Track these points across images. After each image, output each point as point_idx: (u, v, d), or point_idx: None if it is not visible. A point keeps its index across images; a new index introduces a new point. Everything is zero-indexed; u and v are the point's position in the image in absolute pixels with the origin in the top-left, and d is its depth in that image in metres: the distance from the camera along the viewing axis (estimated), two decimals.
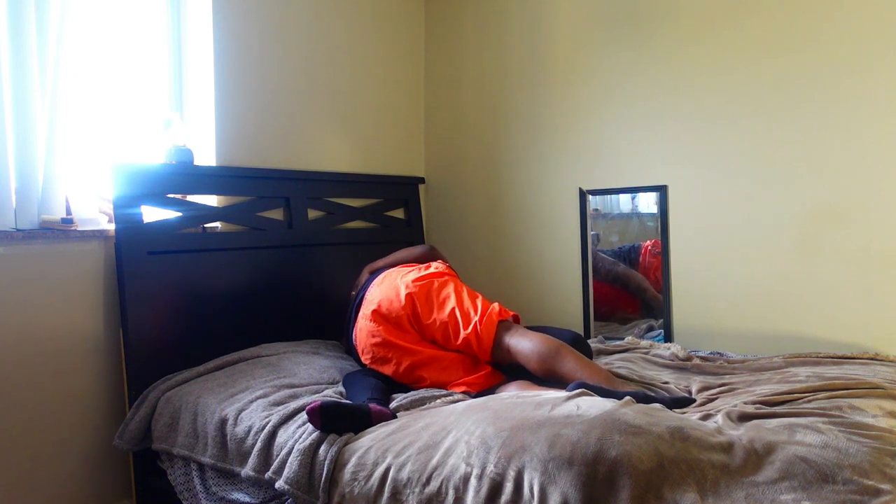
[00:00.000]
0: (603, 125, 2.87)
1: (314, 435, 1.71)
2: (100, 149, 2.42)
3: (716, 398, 1.88)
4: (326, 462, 1.65)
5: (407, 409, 1.92)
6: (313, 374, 2.22)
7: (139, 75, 2.60)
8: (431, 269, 2.37)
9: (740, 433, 1.49)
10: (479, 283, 3.00)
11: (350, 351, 2.49)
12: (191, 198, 2.56)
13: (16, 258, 2.09)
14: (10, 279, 2.08)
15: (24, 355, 2.12)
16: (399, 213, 3.33)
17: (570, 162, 2.97)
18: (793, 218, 2.43)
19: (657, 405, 1.70)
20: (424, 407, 1.92)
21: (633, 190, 2.81)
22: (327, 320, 2.79)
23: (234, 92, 2.65)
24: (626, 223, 2.87)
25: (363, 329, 2.27)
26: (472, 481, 1.45)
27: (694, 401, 1.85)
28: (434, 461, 1.53)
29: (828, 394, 1.75)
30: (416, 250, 2.70)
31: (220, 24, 2.59)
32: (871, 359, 2.12)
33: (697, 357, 2.36)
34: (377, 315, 2.24)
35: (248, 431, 1.85)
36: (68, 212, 2.26)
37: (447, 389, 2.11)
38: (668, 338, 2.71)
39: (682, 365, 2.28)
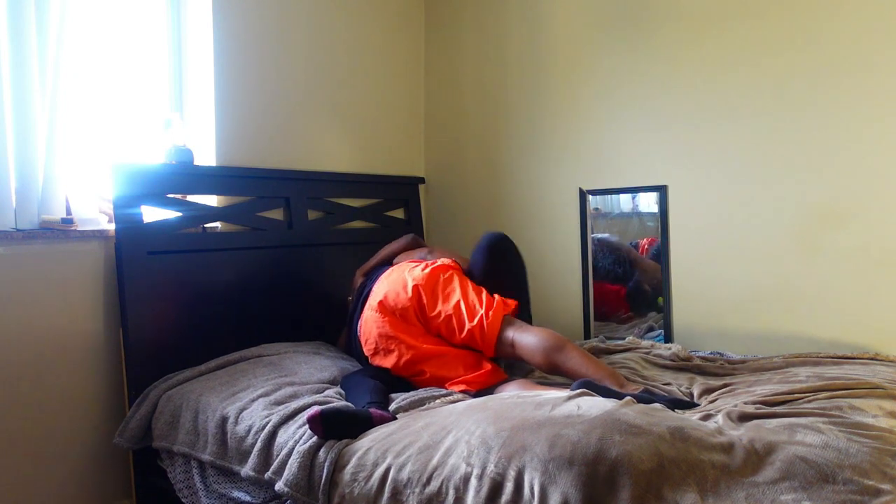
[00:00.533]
0: (603, 125, 2.86)
1: (315, 437, 1.71)
2: (100, 149, 2.42)
3: (716, 399, 1.88)
4: (326, 464, 1.65)
5: (406, 410, 1.92)
6: (314, 373, 2.22)
7: (139, 75, 2.60)
8: (438, 263, 2.37)
9: (741, 433, 1.49)
10: None
11: (350, 348, 2.49)
12: (191, 198, 2.56)
13: (16, 258, 2.09)
14: (10, 279, 2.09)
15: (24, 355, 2.12)
16: (399, 213, 3.33)
17: (570, 162, 2.97)
18: (793, 218, 2.43)
19: (658, 405, 1.70)
20: (424, 407, 1.92)
21: (634, 190, 2.81)
22: (327, 320, 2.79)
23: (234, 92, 2.65)
24: (627, 223, 2.87)
25: (369, 320, 2.28)
26: (473, 481, 1.44)
27: (696, 405, 1.85)
28: (434, 461, 1.53)
29: (828, 394, 1.75)
30: (400, 242, 2.71)
31: (220, 24, 2.59)
32: (871, 359, 2.12)
33: (698, 357, 2.37)
34: (383, 307, 2.25)
35: (249, 430, 1.85)
36: (68, 212, 2.26)
37: (446, 387, 2.11)
38: (668, 338, 2.71)
39: (682, 365, 2.29)
